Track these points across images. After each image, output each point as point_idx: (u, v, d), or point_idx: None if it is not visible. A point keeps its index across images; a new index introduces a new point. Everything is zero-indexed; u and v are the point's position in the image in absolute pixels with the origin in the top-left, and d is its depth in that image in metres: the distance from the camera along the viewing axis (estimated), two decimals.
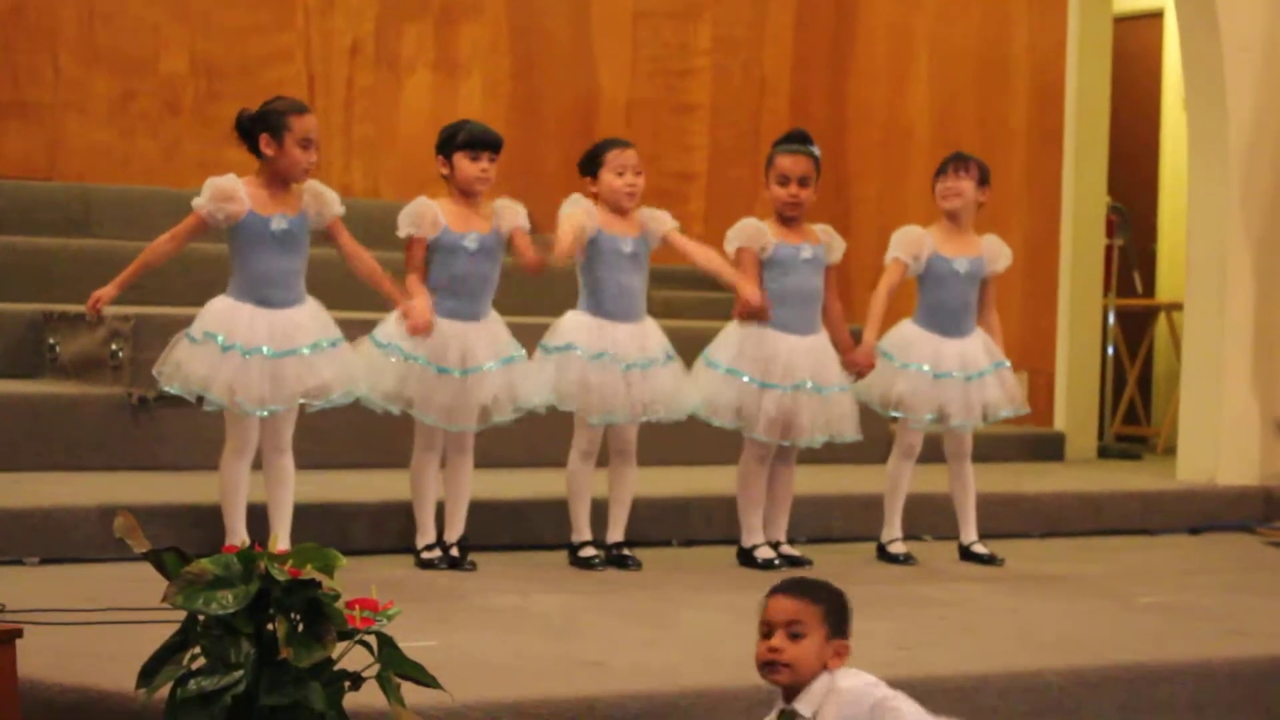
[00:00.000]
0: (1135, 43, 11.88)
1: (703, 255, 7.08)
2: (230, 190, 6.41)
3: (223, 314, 6.42)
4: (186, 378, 6.34)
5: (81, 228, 9.84)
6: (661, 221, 7.05)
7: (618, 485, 7.06)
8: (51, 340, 8.26)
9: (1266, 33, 9.17)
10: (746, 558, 7.18)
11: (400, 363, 6.66)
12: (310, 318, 6.47)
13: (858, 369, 7.26)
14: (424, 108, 11.27)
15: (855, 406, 7.27)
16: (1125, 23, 11.42)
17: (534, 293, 7.95)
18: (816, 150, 7.21)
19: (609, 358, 6.87)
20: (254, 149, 6.42)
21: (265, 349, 6.33)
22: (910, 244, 7.41)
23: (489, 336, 6.81)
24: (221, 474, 6.43)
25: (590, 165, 7.04)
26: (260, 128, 6.40)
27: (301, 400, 6.44)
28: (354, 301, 7.55)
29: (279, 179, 6.44)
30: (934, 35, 11.13)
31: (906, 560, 7.42)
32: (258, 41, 10.86)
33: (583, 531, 7.02)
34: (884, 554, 7.49)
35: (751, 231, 7.13)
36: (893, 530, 7.50)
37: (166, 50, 10.63)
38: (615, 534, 7.04)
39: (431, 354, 6.68)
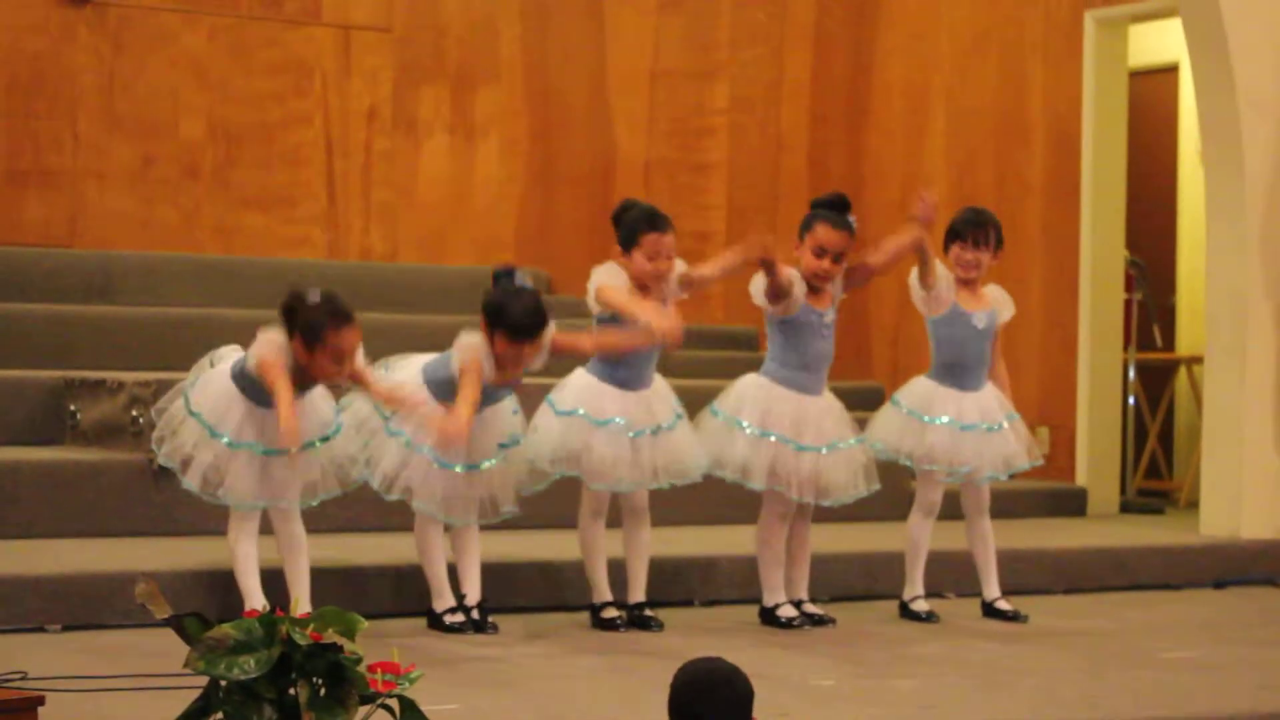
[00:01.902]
0: (1151, 97, 11.89)
1: (712, 266, 7.07)
2: (283, 348, 6.27)
3: (219, 400, 6.42)
4: (173, 449, 6.43)
5: (102, 294, 9.88)
6: (676, 267, 7.03)
7: (632, 545, 7.04)
8: (72, 407, 8.28)
9: None
10: (769, 617, 7.16)
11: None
12: (305, 415, 6.36)
13: (926, 214, 7.20)
14: (442, 171, 11.32)
15: (871, 457, 7.26)
16: (1141, 77, 11.44)
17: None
18: (854, 222, 7.19)
19: (616, 425, 6.86)
20: (290, 334, 6.26)
21: (255, 446, 6.33)
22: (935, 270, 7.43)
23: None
24: (229, 543, 6.45)
25: (626, 241, 6.95)
26: (297, 326, 6.23)
27: (284, 504, 6.44)
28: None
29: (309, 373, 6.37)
30: (950, 92, 11.16)
31: (929, 618, 7.39)
32: (276, 107, 10.91)
33: (603, 592, 7.00)
34: (906, 612, 7.46)
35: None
36: (915, 588, 7.48)
37: (186, 116, 10.68)
38: (636, 595, 7.02)
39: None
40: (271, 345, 6.28)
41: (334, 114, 11.08)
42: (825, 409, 7.17)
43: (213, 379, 6.52)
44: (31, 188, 10.34)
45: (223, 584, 6.56)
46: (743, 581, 7.51)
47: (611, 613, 6.95)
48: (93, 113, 10.48)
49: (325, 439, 6.48)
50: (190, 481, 6.45)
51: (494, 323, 6.55)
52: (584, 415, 6.86)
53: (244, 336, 6.80)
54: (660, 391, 7.05)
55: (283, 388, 6.17)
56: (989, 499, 7.55)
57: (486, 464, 6.79)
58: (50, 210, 10.41)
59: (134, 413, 7.90)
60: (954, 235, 7.50)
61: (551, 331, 6.67)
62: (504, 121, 11.45)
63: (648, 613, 6.97)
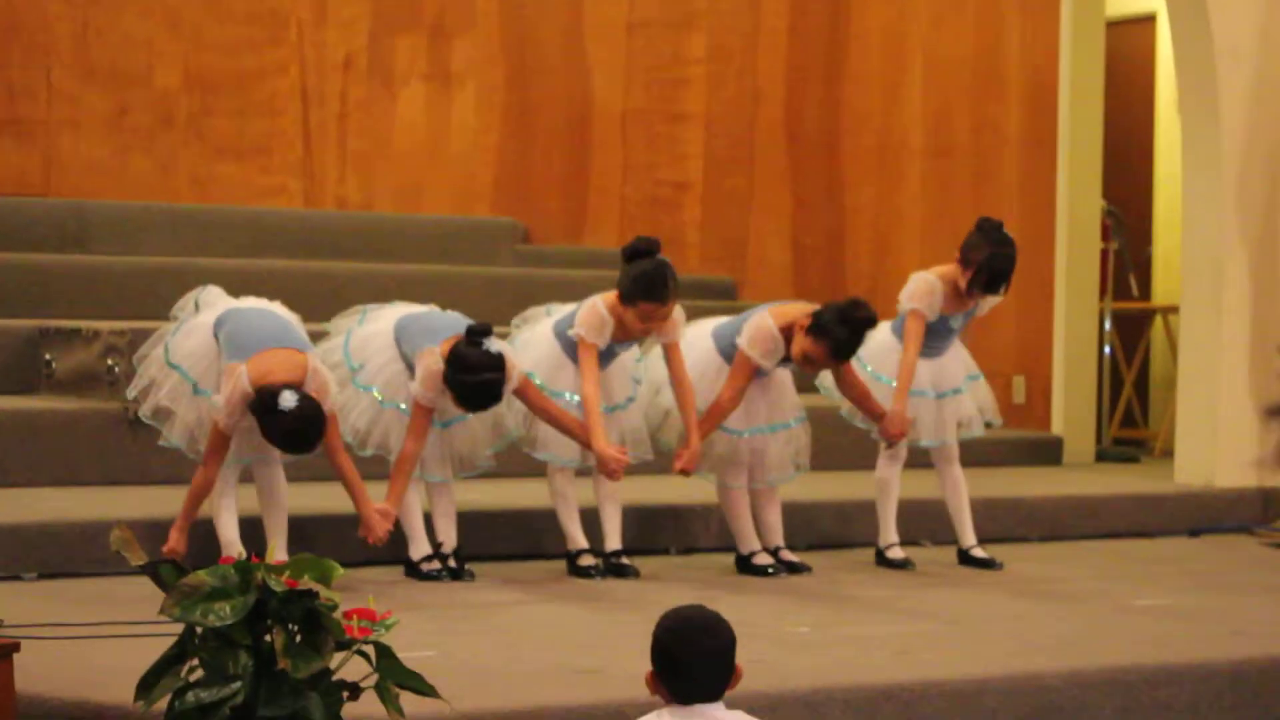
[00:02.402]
0: (1128, 46, 11.88)
1: (681, 385, 6.94)
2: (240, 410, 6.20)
3: (201, 355, 6.40)
4: (155, 402, 6.42)
5: (77, 244, 9.85)
6: (670, 331, 6.89)
7: (603, 493, 7.02)
8: (47, 356, 8.26)
9: (1258, 35, 9.18)
10: (746, 565, 7.18)
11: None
12: None
13: (890, 438, 7.21)
14: (418, 120, 11.28)
15: (809, 436, 7.25)
16: (1118, 26, 11.42)
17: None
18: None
19: (566, 402, 6.84)
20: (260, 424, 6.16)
21: None
22: (926, 295, 7.24)
23: None
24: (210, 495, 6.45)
25: (627, 296, 6.78)
26: (270, 431, 6.12)
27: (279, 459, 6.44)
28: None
29: None
30: (927, 41, 11.13)
31: (905, 565, 7.41)
32: (251, 55, 10.86)
33: (577, 540, 7.00)
34: (883, 559, 7.48)
35: (766, 348, 6.97)
36: (889, 535, 7.48)
37: (160, 65, 10.63)
38: (612, 542, 7.02)
39: None
40: (230, 413, 6.13)
41: (310, 63, 11.03)
42: (773, 389, 7.14)
43: (195, 330, 6.49)
44: (5, 137, 10.30)
45: (199, 532, 6.55)
46: (719, 530, 7.52)
47: (587, 560, 6.96)
48: (67, 62, 10.43)
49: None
50: (176, 439, 6.44)
51: (450, 378, 6.45)
52: (538, 384, 6.81)
53: (219, 285, 6.81)
54: (622, 365, 7.02)
55: (201, 481, 6.20)
56: (956, 448, 7.53)
57: (460, 419, 6.78)
58: (24, 160, 10.36)
59: (109, 362, 7.88)
60: (982, 276, 7.17)
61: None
62: (480, 71, 11.40)
63: (624, 560, 6.98)
